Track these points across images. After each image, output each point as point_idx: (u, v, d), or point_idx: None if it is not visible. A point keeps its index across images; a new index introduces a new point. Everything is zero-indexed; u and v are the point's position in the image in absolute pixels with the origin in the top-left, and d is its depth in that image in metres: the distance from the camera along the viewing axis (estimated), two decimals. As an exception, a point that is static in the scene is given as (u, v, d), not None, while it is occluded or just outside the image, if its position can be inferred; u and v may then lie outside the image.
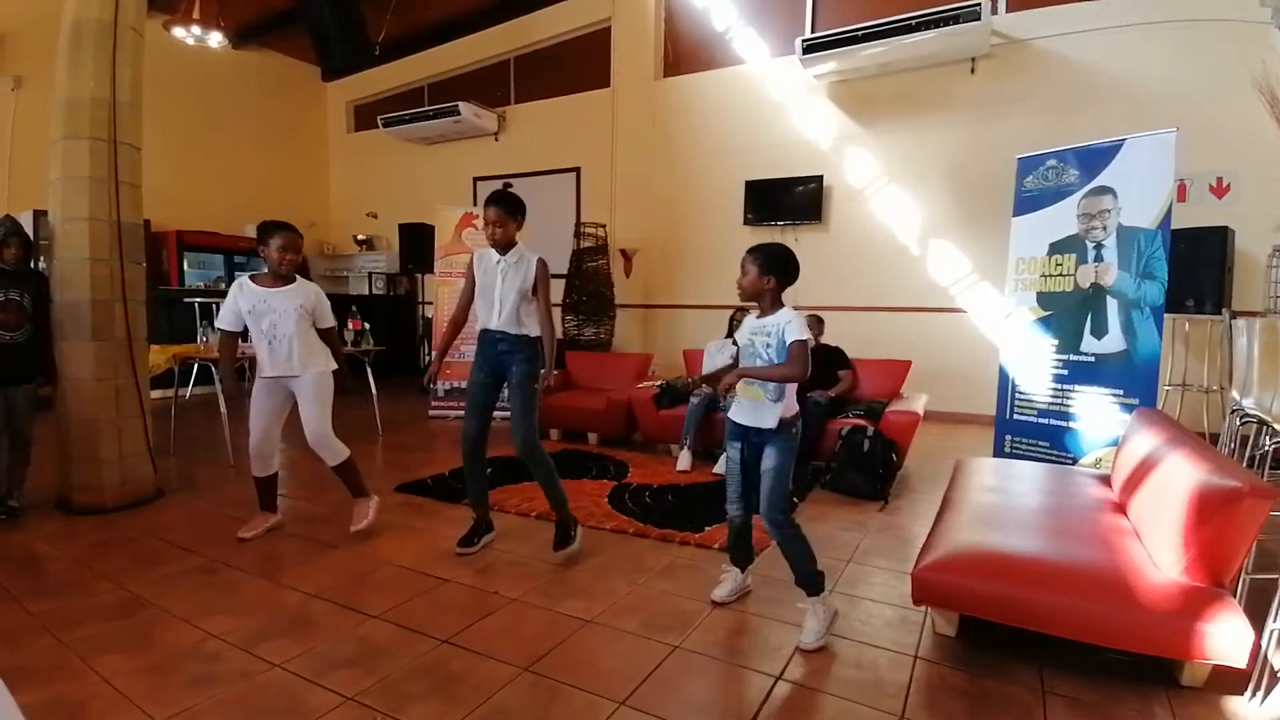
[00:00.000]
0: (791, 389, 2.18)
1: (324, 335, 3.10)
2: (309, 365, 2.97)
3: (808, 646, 2.08)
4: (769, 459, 2.18)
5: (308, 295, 3.00)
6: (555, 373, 2.91)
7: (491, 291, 2.76)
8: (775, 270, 2.19)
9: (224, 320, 2.97)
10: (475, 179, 8.64)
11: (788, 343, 2.11)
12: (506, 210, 2.73)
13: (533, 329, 2.78)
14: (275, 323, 2.91)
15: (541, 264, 2.77)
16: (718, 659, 2.04)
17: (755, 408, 2.19)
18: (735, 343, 2.36)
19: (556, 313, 7.26)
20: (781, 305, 2.22)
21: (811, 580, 2.17)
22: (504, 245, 2.77)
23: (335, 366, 3.12)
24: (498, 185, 8.40)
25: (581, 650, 2.08)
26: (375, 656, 2.02)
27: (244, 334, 3.01)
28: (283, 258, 2.92)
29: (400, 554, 2.84)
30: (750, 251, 2.23)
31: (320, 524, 3.20)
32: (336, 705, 1.77)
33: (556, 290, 7.10)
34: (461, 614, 2.30)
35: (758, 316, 2.23)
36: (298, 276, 3.03)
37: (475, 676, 1.91)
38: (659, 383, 4.99)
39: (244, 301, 2.91)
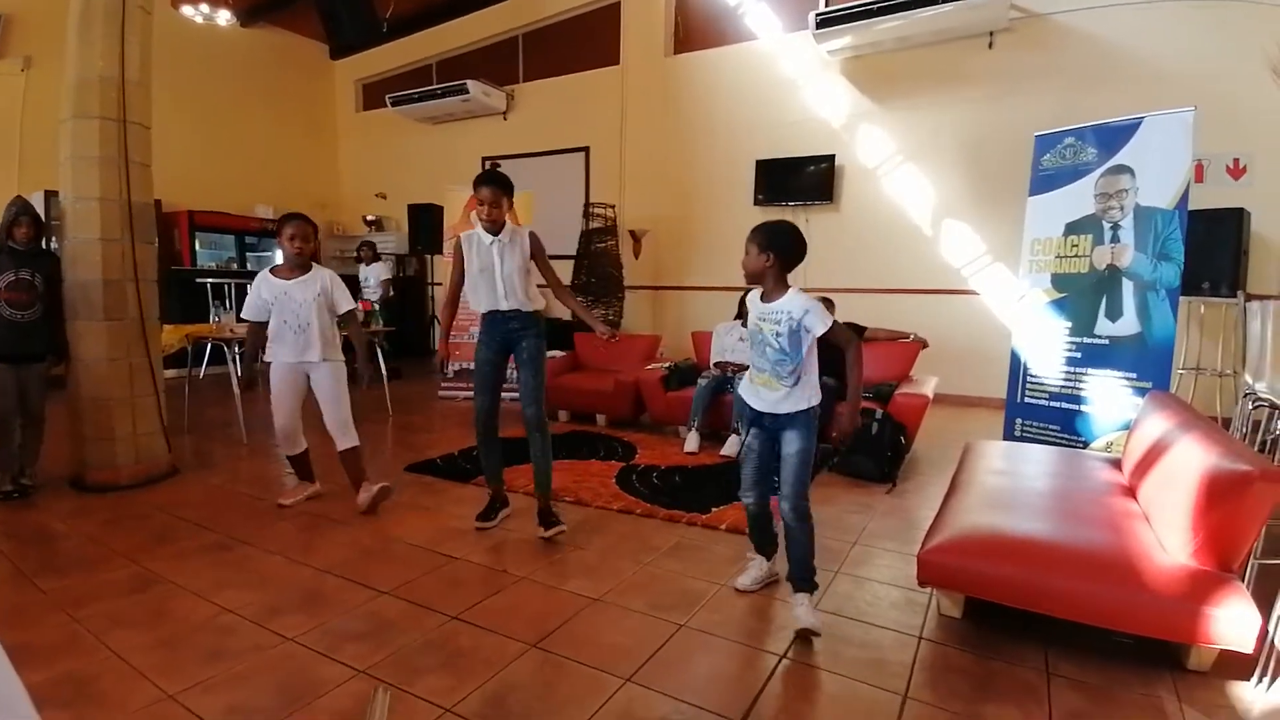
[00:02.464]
0: (812, 374, 2.10)
1: (346, 319, 3.15)
2: (328, 355, 3.06)
3: (810, 625, 2.01)
4: (792, 442, 2.08)
5: (323, 283, 3.05)
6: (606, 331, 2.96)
7: (492, 273, 2.74)
8: (774, 246, 2.08)
9: (249, 312, 3.07)
10: (484, 159, 8.59)
11: (815, 334, 2.01)
12: (502, 189, 2.71)
13: (539, 302, 2.82)
14: (297, 313, 3.00)
15: (533, 236, 2.79)
16: (723, 638, 2.05)
17: (770, 394, 2.11)
18: (744, 324, 2.33)
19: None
20: (787, 286, 2.11)
21: (811, 577, 2.12)
22: (497, 227, 2.75)
23: (343, 356, 3.16)
24: (507, 165, 8.34)
25: (588, 628, 2.10)
26: (386, 631, 2.05)
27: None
28: (294, 246, 2.98)
29: (410, 532, 2.87)
30: (751, 231, 2.15)
31: (331, 501, 3.24)
32: (349, 678, 1.80)
33: (564, 271, 7.10)
34: (470, 591, 2.33)
35: (763, 299, 2.13)
36: (313, 264, 3.08)
37: (484, 651, 1.94)
38: (667, 364, 4.99)
39: (266, 293, 3.02)
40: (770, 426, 2.15)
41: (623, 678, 1.82)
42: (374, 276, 7.13)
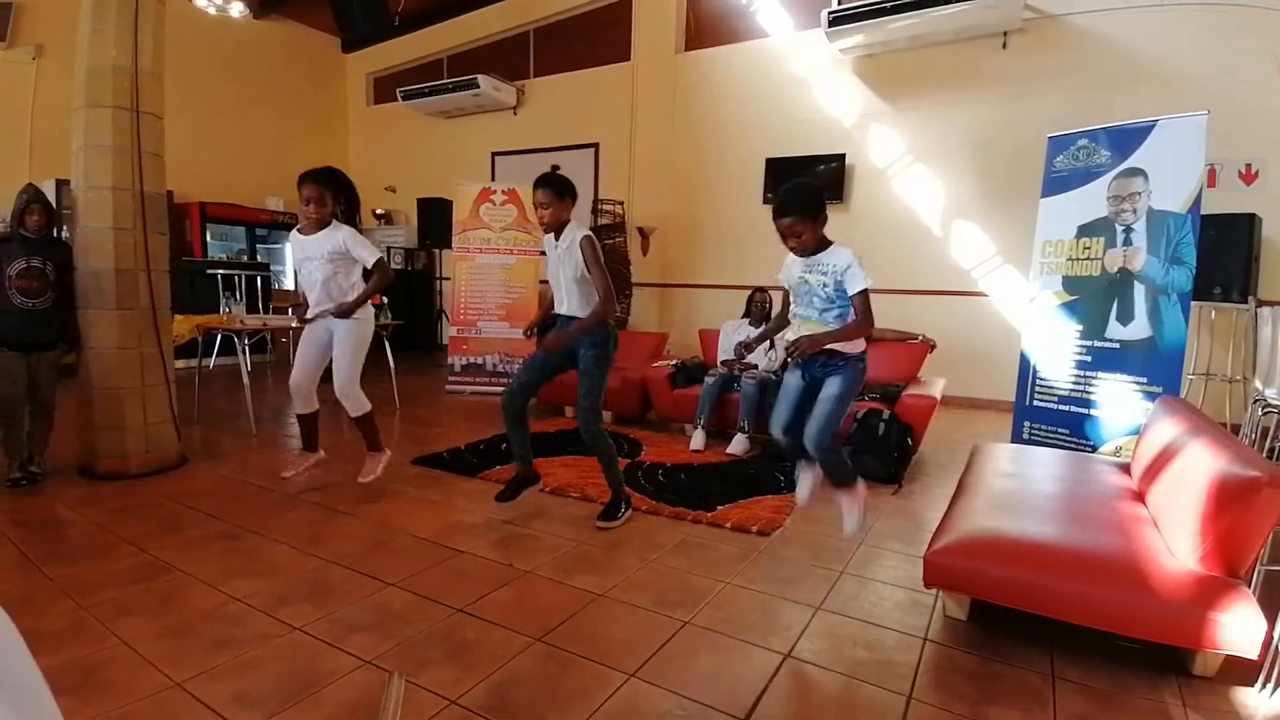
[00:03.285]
0: (850, 318, 2.18)
1: (376, 269, 3.14)
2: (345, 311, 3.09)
3: (853, 530, 2.36)
4: (832, 385, 2.16)
5: (336, 240, 3.05)
6: (559, 338, 2.80)
7: (556, 278, 2.81)
8: (820, 209, 2.18)
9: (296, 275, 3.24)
10: (493, 154, 8.61)
11: (851, 293, 2.08)
12: (554, 191, 2.72)
13: None
14: (312, 270, 3.06)
15: (587, 241, 2.73)
16: (727, 636, 2.06)
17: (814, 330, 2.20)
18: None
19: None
20: (828, 240, 2.20)
21: (850, 479, 2.33)
22: (556, 228, 2.77)
23: (370, 315, 3.19)
24: (516, 160, 8.38)
25: (593, 623, 2.11)
26: (392, 622, 2.06)
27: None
28: (306, 210, 3.03)
29: (417, 525, 2.88)
30: (786, 215, 2.16)
31: (337, 492, 3.26)
32: (355, 668, 1.81)
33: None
34: (476, 584, 2.34)
35: (802, 253, 2.20)
36: (333, 221, 3.10)
37: (489, 644, 1.95)
38: (674, 362, 4.99)
39: (294, 250, 3.13)
40: (813, 371, 2.21)
41: (627, 673, 1.83)
42: None
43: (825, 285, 2.15)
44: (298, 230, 3.13)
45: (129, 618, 2.04)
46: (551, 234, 2.81)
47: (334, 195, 3.07)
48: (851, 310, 2.20)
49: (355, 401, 3.16)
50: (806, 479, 2.52)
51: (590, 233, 2.77)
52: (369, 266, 3.13)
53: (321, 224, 3.07)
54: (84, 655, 1.83)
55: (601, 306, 2.72)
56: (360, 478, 3.18)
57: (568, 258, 2.75)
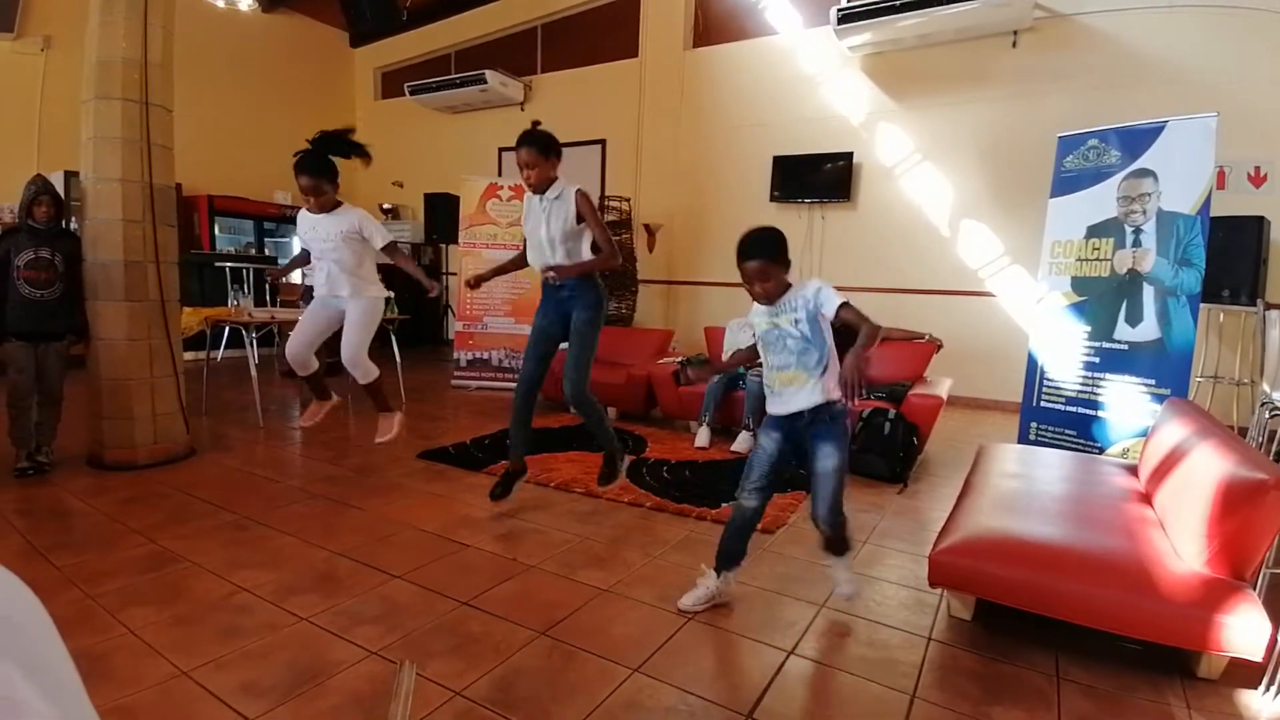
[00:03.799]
0: (832, 361, 2.01)
1: (390, 253, 3.15)
2: (358, 292, 3.10)
3: (850, 592, 2.17)
4: (828, 457, 2.00)
5: (350, 221, 3.05)
6: (570, 268, 2.70)
7: (538, 236, 2.68)
8: (786, 256, 2.02)
9: (300, 244, 3.26)
10: (500, 149, 8.60)
11: (832, 312, 1.95)
12: (539, 149, 2.60)
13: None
14: (324, 251, 3.06)
15: (581, 194, 2.62)
16: (731, 632, 2.06)
17: (797, 391, 2.02)
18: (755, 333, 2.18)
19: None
20: (789, 284, 2.04)
21: (845, 547, 2.18)
22: (543, 186, 2.66)
23: (386, 294, 3.22)
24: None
25: (597, 618, 2.12)
26: (398, 614, 2.08)
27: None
28: (306, 201, 3.03)
29: (422, 519, 2.90)
30: (755, 258, 1.98)
31: (345, 485, 3.28)
32: (361, 659, 1.83)
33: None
34: (481, 578, 2.35)
35: (768, 300, 2.03)
36: (343, 203, 3.11)
37: (493, 638, 1.96)
38: (680, 359, 4.99)
39: (302, 225, 3.11)
40: (797, 430, 2.04)
41: (630, 668, 1.84)
42: None
43: (798, 322, 1.98)
44: (307, 208, 3.10)
45: (136, 607, 2.05)
46: (538, 193, 2.68)
47: (331, 180, 3.05)
48: (829, 354, 2.00)
49: (363, 369, 3.20)
50: (704, 586, 2.17)
51: (582, 187, 2.66)
52: (380, 248, 3.14)
53: (326, 209, 3.07)
54: (91, 644, 1.84)
55: (607, 252, 2.63)
56: (376, 438, 3.25)
57: (557, 209, 2.61)
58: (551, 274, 2.66)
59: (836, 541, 2.14)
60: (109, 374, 3.40)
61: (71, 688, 0.38)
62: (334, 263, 3.07)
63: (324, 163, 3.04)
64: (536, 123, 2.79)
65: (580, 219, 2.65)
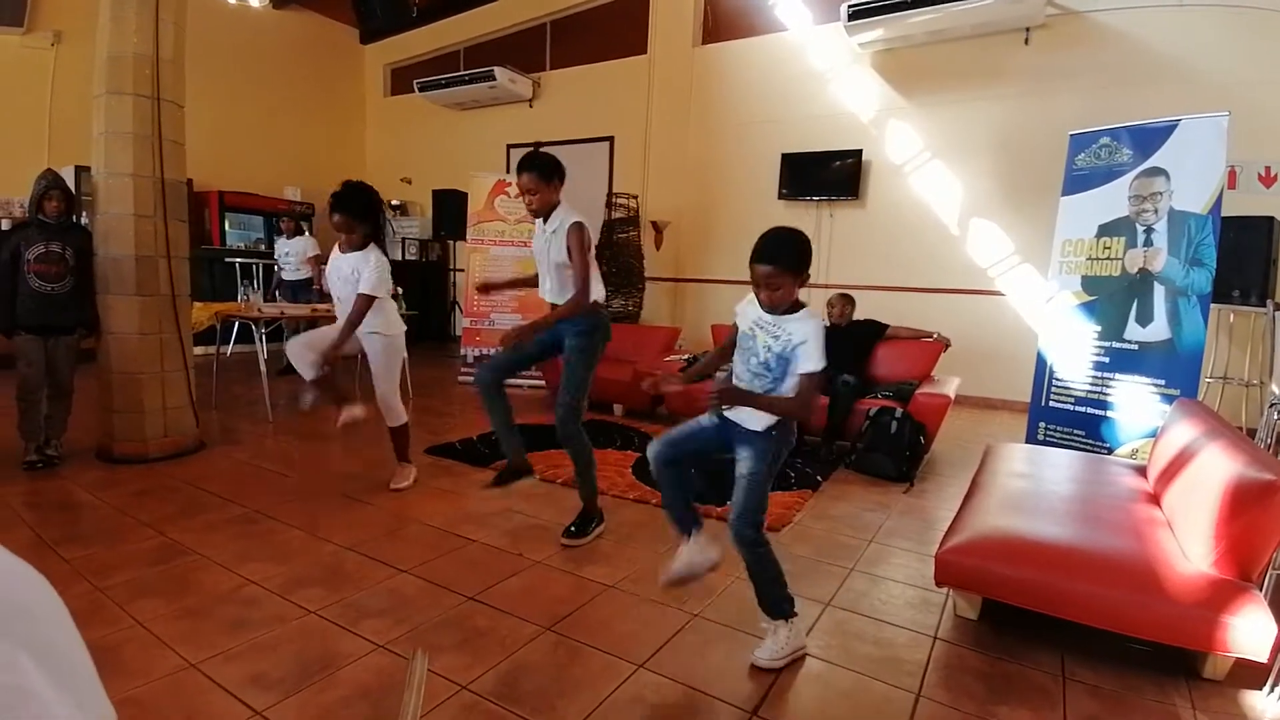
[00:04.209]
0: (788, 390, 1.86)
1: (358, 301, 2.99)
2: (374, 328, 3.06)
3: (760, 662, 1.84)
4: (745, 462, 1.84)
5: (358, 262, 3.01)
6: (526, 327, 2.57)
7: (542, 264, 2.68)
8: (808, 265, 1.83)
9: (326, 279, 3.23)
10: (509, 146, 8.61)
11: (800, 371, 1.77)
12: (540, 175, 2.55)
13: (593, 294, 2.60)
14: (339, 289, 3.06)
15: (575, 227, 2.53)
16: (736, 630, 2.06)
17: (740, 410, 1.92)
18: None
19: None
20: (801, 304, 1.86)
21: (779, 607, 1.89)
22: (544, 212, 2.62)
23: (398, 330, 3.16)
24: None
25: (602, 614, 2.12)
26: (405, 608, 2.09)
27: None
28: (338, 238, 3.04)
29: (429, 514, 2.91)
30: (769, 263, 1.79)
31: (355, 481, 3.29)
32: (368, 651, 1.84)
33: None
34: (487, 573, 2.36)
35: (768, 309, 1.86)
36: (370, 244, 3.06)
37: (499, 632, 1.97)
38: (685, 357, 4.99)
39: (330, 267, 3.12)
40: (729, 433, 1.93)
41: (635, 663, 1.84)
42: (296, 252, 6.29)
43: (769, 349, 1.82)
44: (337, 247, 3.09)
45: (146, 599, 2.07)
46: (541, 218, 2.64)
47: (361, 219, 3.00)
48: (787, 388, 1.85)
49: (392, 412, 3.16)
50: (692, 550, 2.01)
51: (582, 219, 2.57)
52: (359, 293, 2.96)
53: (355, 247, 3.03)
54: (100, 636, 1.86)
55: (576, 297, 2.53)
56: (391, 484, 3.17)
57: (554, 242, 2.57)
58: (509, 340, 2.54)
59: (760, 575, 1.89)
60: (120, 368, 3.43)
61: (86, 677, 0.38)
62: (343, 300, 3.04)
63: (355, 200, 2.99)
64: (539, 145, 2.79)
65: (569, 255, 2.57)
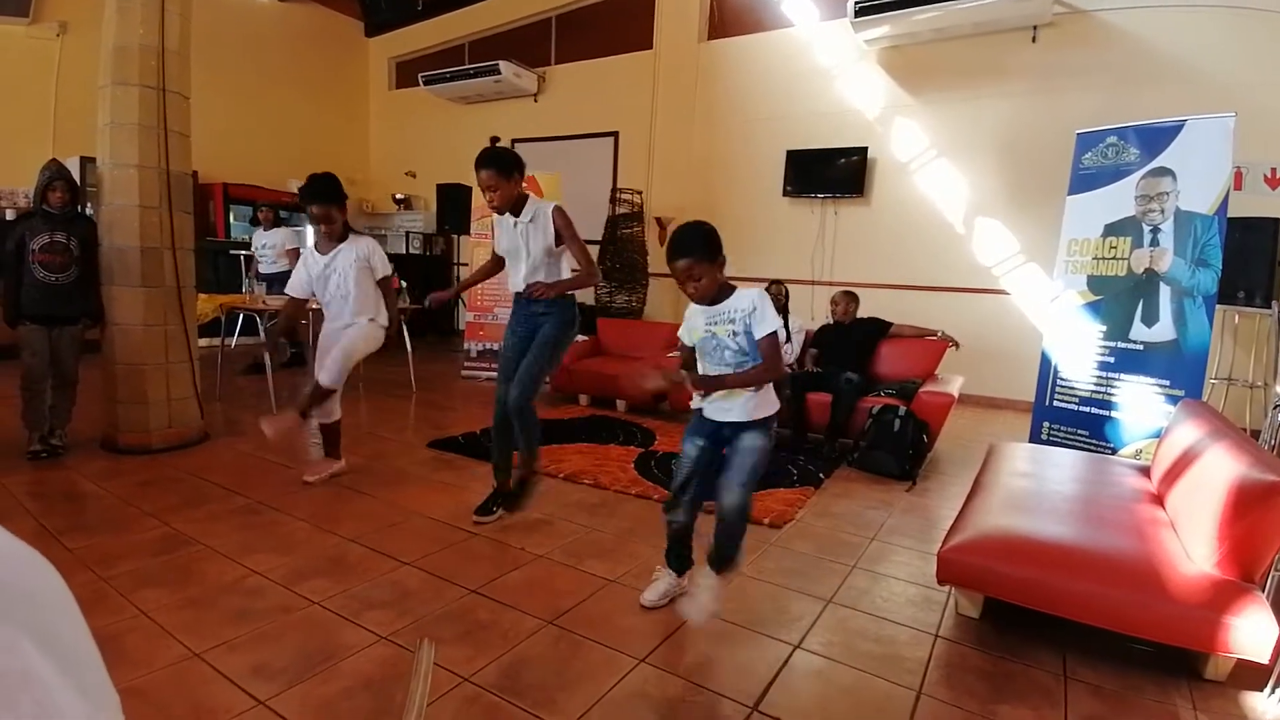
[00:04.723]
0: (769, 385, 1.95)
1: (380, 285, 3.13)
2: (361, 314, 3.07)
3: (696, 617, 1.94)
4: (750, 439, 1.92)
5: (362, 249, 3.05)
6: (557, 285, 2.57)
7: (519, 256, 2.62)
8: (718, 252, 1.90)
9: (291, 287, 3.13)
10: (513, 140, 8.60)
11: (757, 337, 1.84)
12: (498, 170, 2.46)
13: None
14: (339, 282, 3.03)
15: (558, 211, 2.54)
16: (738, 625, 2.07)
17: (733, 405, 1.95)
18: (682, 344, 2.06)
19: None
20: (731, 285, 1.93)
21: (733, 561, 1.98)
22: (513, 206, 2.55)
23: (384, 322, 3.16)
24: (536, 147, 8.36)
25: (604, 608, 2.13)
26: (407, 600, 2.10)
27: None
28: (319, 230, 3.03)
29: (431, 507, 2.92)
30: (682, 256, 1.85)
31: (355, 472, 3.30)
32: (371, 643, 1.85)
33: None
34: (489, 566, 2.37)
35: (708, 302, 1.92)
36: (350, 234, 3.07)
37: (501, 625, 1.98)
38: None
39: (313, 268, 3.05)
40: (729, 435, 1.97)
41: (637, 658, 1.85)
42: (274, 244, 6.05)
43: (735, 335, 1.88)
44: (316, 250, 3.07)
45: (149, 589, 2.08)
46: (508, 214, 2.57)
47: (339, 205, 3.01)
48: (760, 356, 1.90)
49: (329, 376, 3.00)
50: (663, 582, 2.14)
51: (558, 204, 2.57)
52: (377, 278, 3.10)
53: (336, 237, 3.03)
54: (103, 625, 1.86)
55: (585, 270, 2.56)
56: (305, 475, 3.09)
57: (534, 232, 2.54)
58: (535, 290, 2.53)
59: (732, 539, 1.96)
60: (124, 358, 3.43)
61: (90, 663, 0.38)
62: (346, 294, 3.02)
63: (329, 188, 2.96)
64: (495, 139, 2.70)
65: (560, 239, 2.56)
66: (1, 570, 0.34)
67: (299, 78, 9.01)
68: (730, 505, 1.92)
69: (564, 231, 2.54)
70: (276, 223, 6.30)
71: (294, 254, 5.98)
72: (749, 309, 1.87)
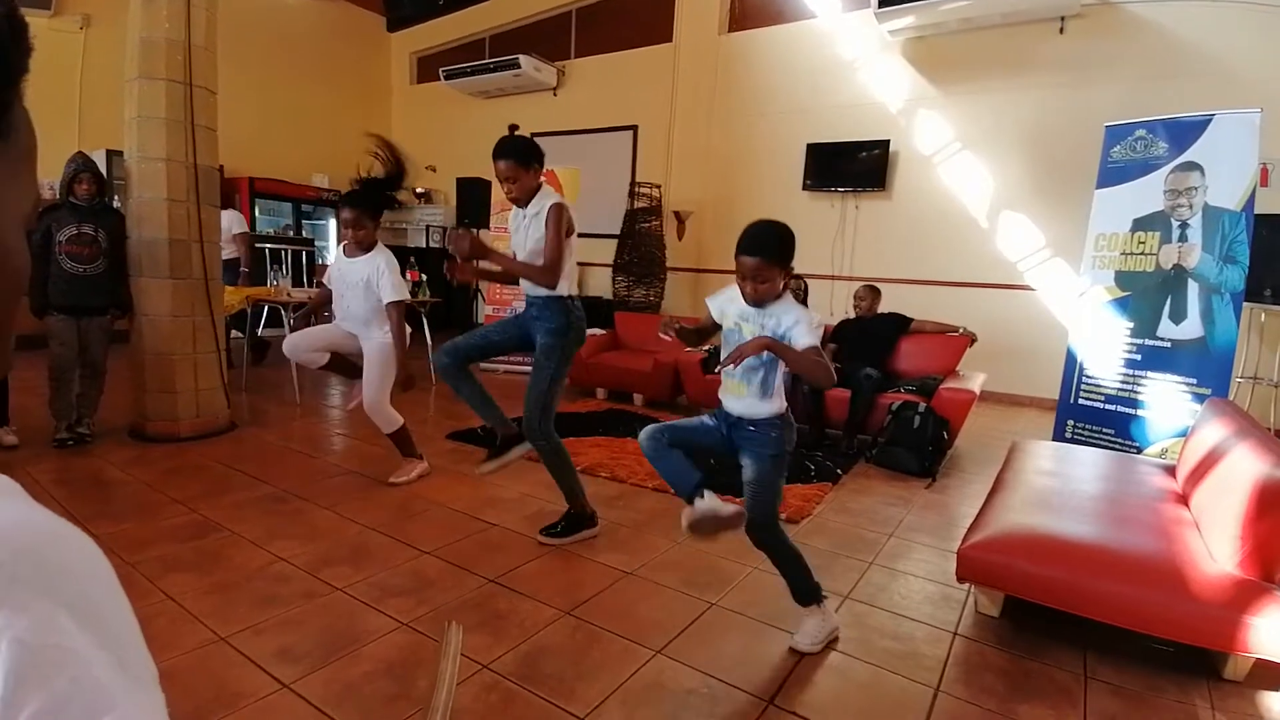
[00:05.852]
0: (781, 394, 1.88)
1: (391, 310, 2.97)
2: (371, 334, 3.04)
3: (800, 647, 1.88)
4: (749, 469, 1.85)
5: (373, 269, 2.97)
6: (481, 267, 2.47)
7: (520, 252, 2.55)
8: (792, 258, 1.81)
9: (328, 279, 3.20)
10: (533, 134, 8.60)
11: (801, 347, 1.75)
12: (518, 161, 2.37)
13: (561, 288, 2.42)
14: (344, 294, 3.04)
15: (555, 207, 2.36)
16: (755, 619, 2.07)
17: (736, 399, 1.91)
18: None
19: (604, 273, 7.26)
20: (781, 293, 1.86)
21: (811, 593, 1.92)
22: (525, 199, 2.44)
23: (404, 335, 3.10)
24: (555, 141, 8.37)
25: (621, 600, 2.14)
26: (427, 588, 2.13)
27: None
28: (345, 234, 3.02)
29: (451, 498, 2.95)
30: (754, 254, 1.78)
31: (379, 464, 3.34)
32: (392, 629, 1.88)
33: (607, 250, 7.10)
34: (507, 556, 2.39)
35: (754, 303, 1.84)
36: (377, 244, 3.04)
37: (519, 615, 2.00)
38: (705, 347, 4.97)
39: (333, 271, 3.12)
40: (734, 433, 1.92)
41: (653, 649, 1.86)
42: (220, 229, 5.11)
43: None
44: (342, 250, 3.08)
45: (177, 574, 2.13)
46: (517, 207, 2.49)
47: (373, 217, 3.00)
48: (776, 386, 1.85)
49: (384, 418, 3.08)
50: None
51: (563, 201, 2.41)
52: (384, 302, 2.96)
53: (363, 246, 3.01)
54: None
55: (542, 271, 2.35)
56: (390, 478, 3.09)
57: (534, 225, 2.42)
58: (454, 259, 2.40)
59: (785, 576, 1.92)
60: (153, 349, 3.50)
61: (129, 637, 0.38)
62: (352, 310, 3.02)
63: (369, 196, 2.99)
64: (514, 127, 2.61)
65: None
66: (39, 545, 0.34)
67: (322, 73, 9.09)
68: (752, 540, 1.91)
69: (547, 225, 2.36)
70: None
71: (243, 238, 5.64)
72: (791, 324, 1.78)
